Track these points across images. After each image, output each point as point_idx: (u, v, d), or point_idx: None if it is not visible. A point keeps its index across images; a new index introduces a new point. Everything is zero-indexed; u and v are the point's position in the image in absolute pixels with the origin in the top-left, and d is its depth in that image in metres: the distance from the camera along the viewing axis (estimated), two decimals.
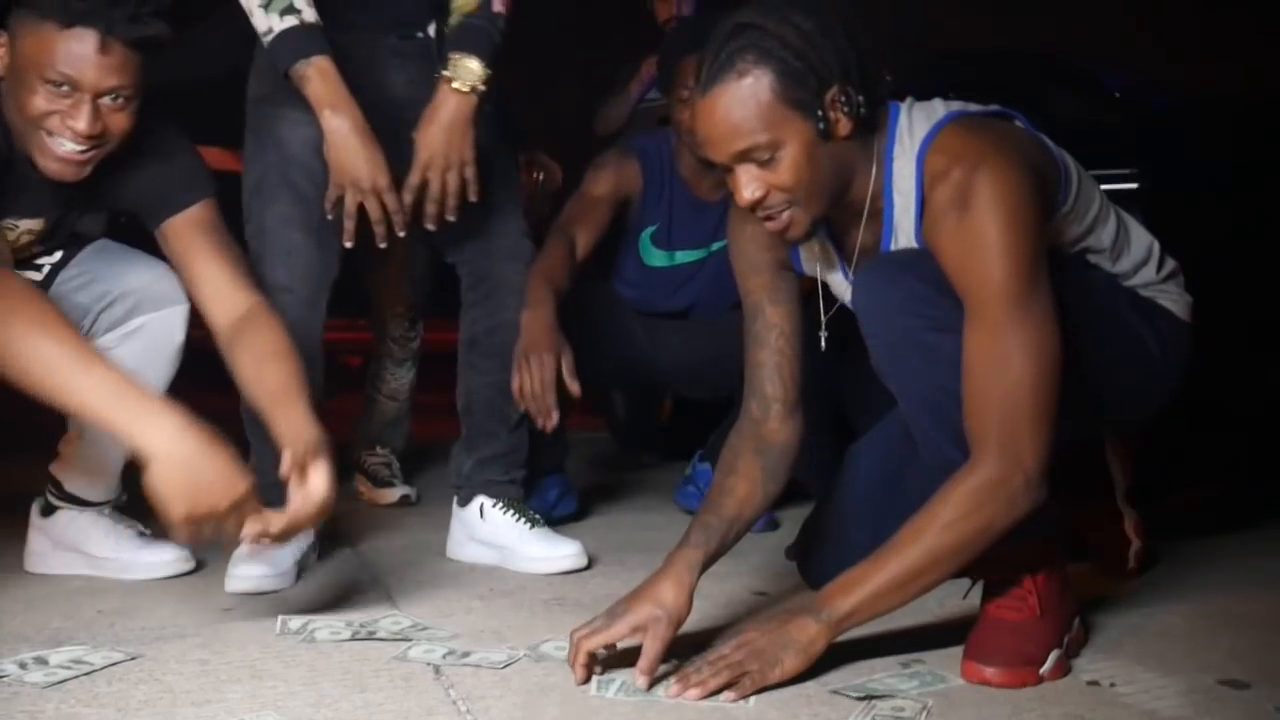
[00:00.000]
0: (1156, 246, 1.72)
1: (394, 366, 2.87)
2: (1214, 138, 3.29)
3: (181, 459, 1.51)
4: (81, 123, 1.72)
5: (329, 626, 1.68)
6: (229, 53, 3.00)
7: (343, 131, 1.93)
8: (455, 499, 2.25)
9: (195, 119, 2.10)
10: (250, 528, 1.59)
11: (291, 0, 1.91)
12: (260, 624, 1.71)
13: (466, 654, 1.56)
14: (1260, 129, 3.32)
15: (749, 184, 1.49)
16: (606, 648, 1.48)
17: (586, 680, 1.45)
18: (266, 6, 1.92)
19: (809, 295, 1.75)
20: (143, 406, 1.53)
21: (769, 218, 1.52)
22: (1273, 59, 4.97)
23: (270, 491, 1.75)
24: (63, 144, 1.75)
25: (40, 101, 1.72)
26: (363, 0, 2.08)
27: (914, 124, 1.53)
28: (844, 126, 1.49)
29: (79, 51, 1.70)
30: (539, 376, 2.13)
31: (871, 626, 1.50)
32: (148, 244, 2.01)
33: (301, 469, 1.66)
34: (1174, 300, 1.72)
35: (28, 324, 1.53)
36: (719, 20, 1.53)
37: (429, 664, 1.53)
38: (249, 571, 1.90)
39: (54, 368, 1.52)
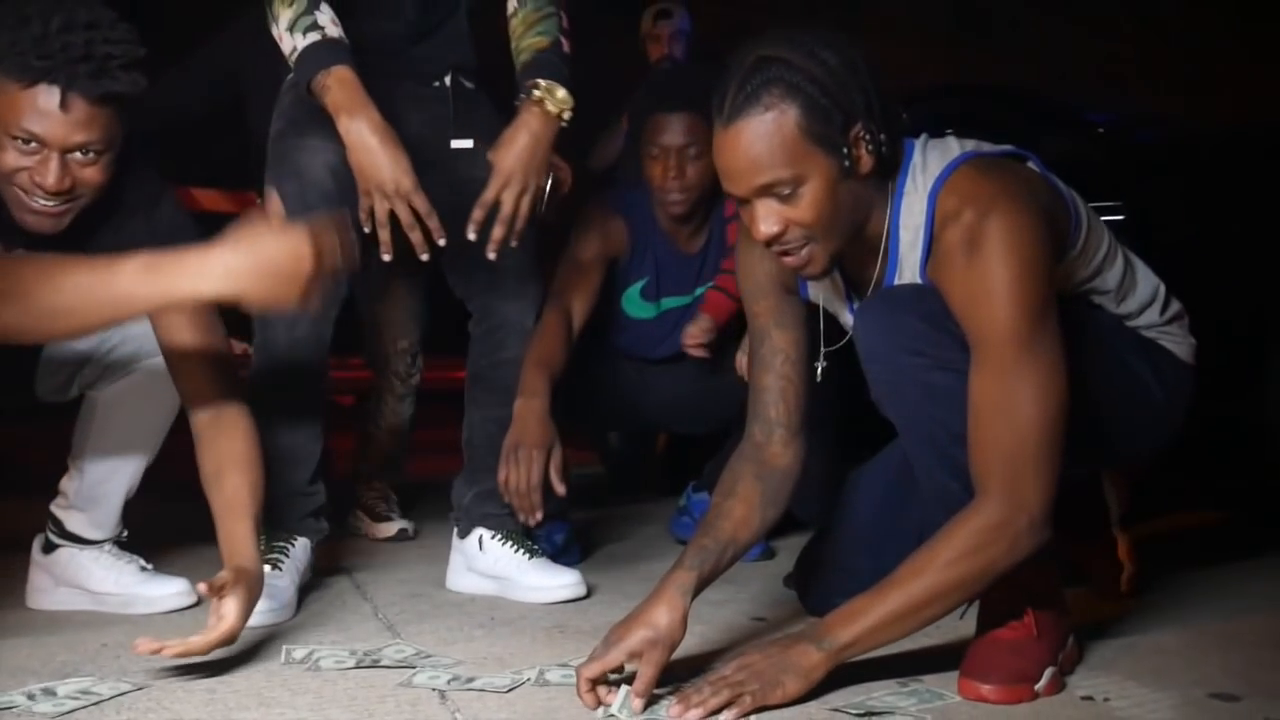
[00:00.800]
0: (1163, 289, 1.73)
1: (395, 402, 2.89)
2: (1201, 170, 3.34)
3: (249, 272, 1.52)
4: (50, 179, 1.71)
5: (333, 655, 1.70)
6: (216, 82, 3.06)
7: (361, 133, 1.93)
8: (455, 531, 2.27)
9: (184, 159, 2.11)
10: (148, 645, 1.56)
11: (315, 18, 1.96)
12: (264, 654, 1.73)
13: (471, 680, 1.58)
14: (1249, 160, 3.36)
15: (767, 218, 1.50)
16: (615, 671, 1.50)
17: (597, 706, 1.47)
18: (292, 28, 1.96)
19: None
20: (182, 267, 1.53)
21: (785, 253, 1.53)
22: (1261, 89, 5.06)
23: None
24: (35, 199, 1.74)
25: (10, 158, 1.71)
26: (381, 49, 2.12)
27: (928, 162, 1.54)
28: (866, 163, 1.50)
29: (42, 109, 1.68)
30: (525, 473, 2.09)
31: None
32: None
33: (220, 592, 1.64)
34: (1177, 343, 1.73)
35: (37, 278, 1.53)
36: (705, 67, 1.56)
37: (434, 689, 1.55)
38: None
39: (85, 292, 1.52)
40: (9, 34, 1.68)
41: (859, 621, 1.46)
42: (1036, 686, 1.51)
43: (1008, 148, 1.61)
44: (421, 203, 1.96)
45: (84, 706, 1.47)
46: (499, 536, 2.21)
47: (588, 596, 2.12)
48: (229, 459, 1.82)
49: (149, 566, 2.07)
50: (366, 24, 2.09)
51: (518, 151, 2.02)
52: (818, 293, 1.71)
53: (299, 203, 2.08)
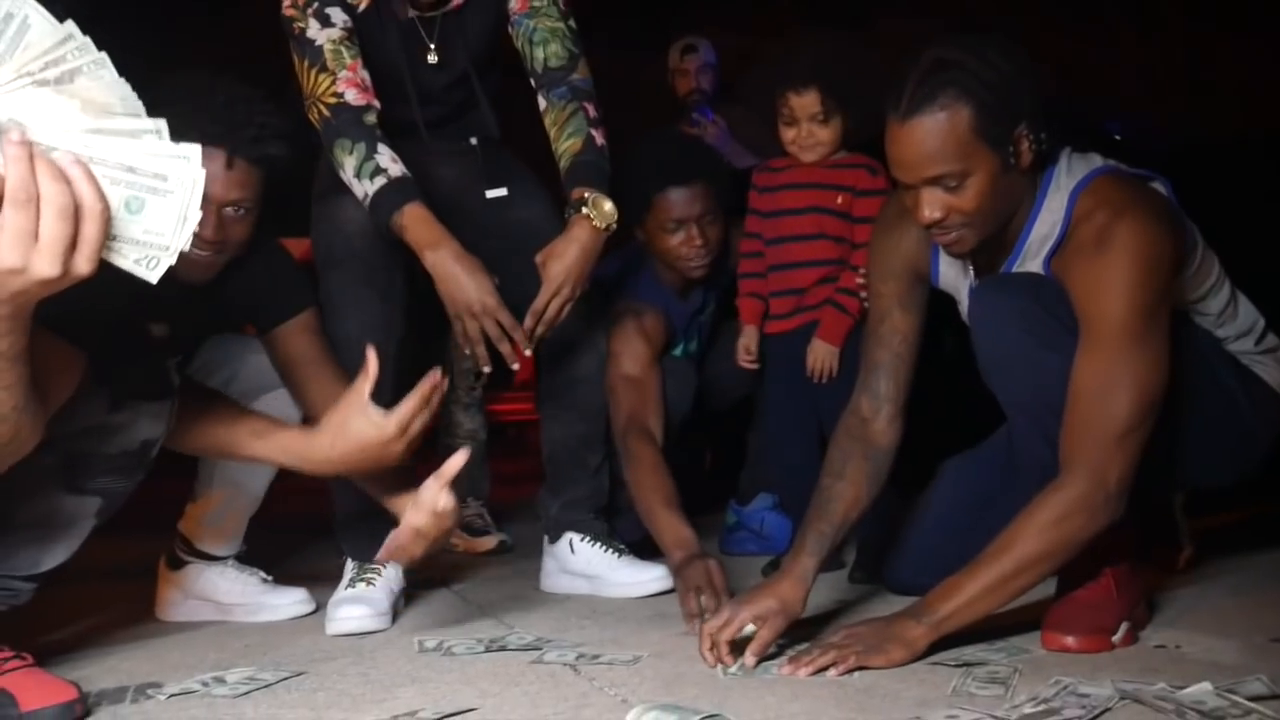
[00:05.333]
0: (1261, 323, 1.89)
1: (460, 413, 3.06)
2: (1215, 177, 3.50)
3: (343, 459, 1.80)
4: (207, 230, 1.92)
5: (463, 643, 1.86)
6: None
7: (445, 263, 2.08)
8: (545, 537, 2.43)
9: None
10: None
11: (377, 161, 2.11)
12: (398, 646, 1.89)
13: (597, 656, 1.74)
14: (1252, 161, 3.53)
15: (931, 204, 1.65)
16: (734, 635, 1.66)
17: (716, 663, 1.63)
18: (359, 174, 2.12)
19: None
20: (292, 447, 1.80)
21: (941, 232, 1.69)
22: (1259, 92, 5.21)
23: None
24: (191, 250, 1.93)
25: None
26: (412, 128, 2.29)
27: (1072, 167, 1.71)
28: (1026, 160, 1.66)
29: (207, 168, 1.88)
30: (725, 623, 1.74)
31: None
32: None
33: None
34: (1268, 371, 1.88)
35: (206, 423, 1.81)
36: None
37: (565, 664, 1.70)
38: (349, 613, 2.03)
39: (223, 439, 1.83)
40: (180, 103, 1.88)
41: (956, 596, 1.62)
42: (1114, 638, 1.67)
43: (1142, 170, 1.77)
44: (506, 318, 2.09)
45: (256, 689, 1.63)
46: (588, 538, 2.36)
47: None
48: None
49: (269, 578, 2.24)
50: (399, 110, 2.26)
51: (568, 264, 2.15)
52: (949, 276, 1.86)
53: (345, 245, 2.22)
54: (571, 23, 2.32)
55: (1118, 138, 3.67)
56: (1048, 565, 1.63)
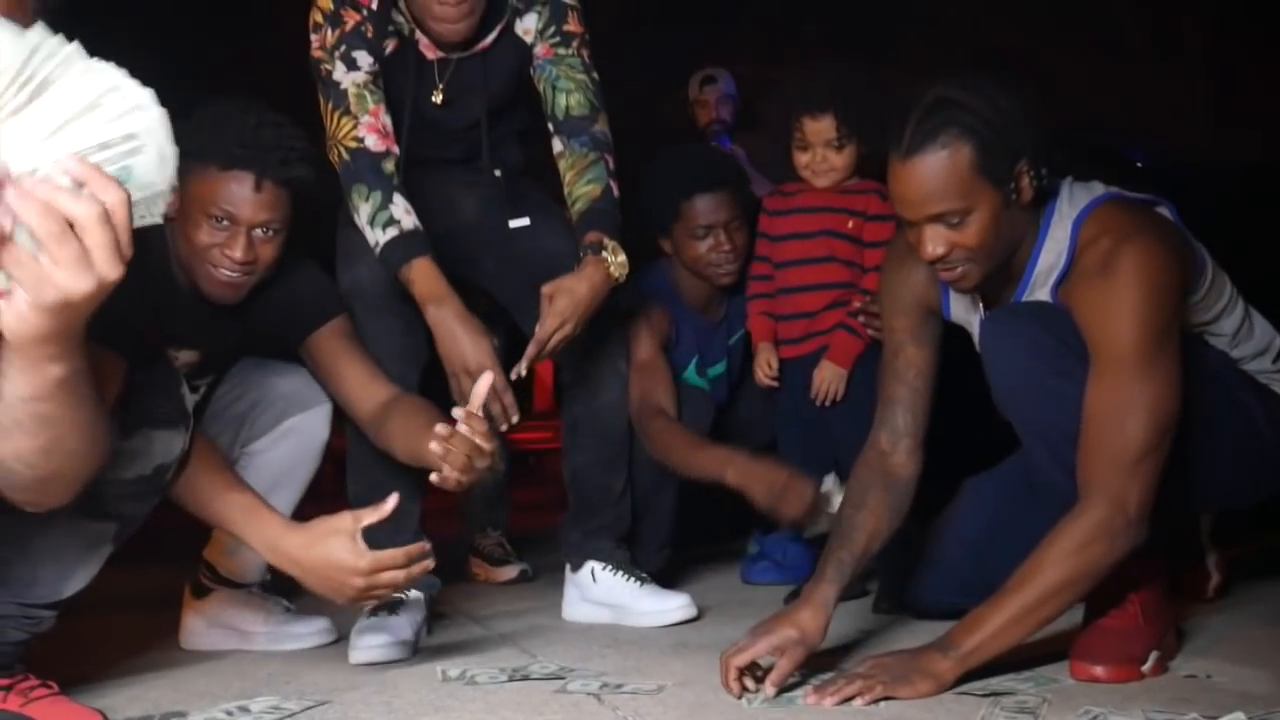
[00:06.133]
0: (1278, 341, 1.88)
1: None
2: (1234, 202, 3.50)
3: (302, 573, 1.75)
4: (238, 252, 1.96)
5: (485, 672, 1.85)
6: None
7: (446, 321, 2.12)
8: (567, 565, 2.42)
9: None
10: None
11: (391, 212, 2.15)
12: (420, 675, 1.88)
13: (620, 685, 1.73)
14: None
15: (934, 241, 1.67)
16: (753, 664, 1.65)
17: (740, 693, 1.62)
18: (372, 222, 2.16)
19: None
20: (266, 534, 1.76)
21: (945, 269, 1.71)
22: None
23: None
24: (222, 271, 1.99)
25: (203, 235, 1.97)
26: (434, 143, 2.33)
27: (1074, 196, 1.72)
28: (1027, 195, 1.67)
29: (237, 191, 1.95)
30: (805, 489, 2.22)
31: None
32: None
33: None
34: None
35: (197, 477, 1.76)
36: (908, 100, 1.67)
37: (589, 694, 1.69)
38: (371, 641, 2.02)
39: (204, 502, 1.77)
40: (211, 129, 1.94)
41: (981, 629, 1.60)
42: (1143, 668, 1.65)
43: (1146, 196, 1.77)
44: (499, 379, 2.11)
45: (281, 718, 1.63)
46: (609, 567, 2.36)
47: (699, 617, 2.26)
48: (414, 410, 2.03)
49: (292, 607, 2.24)
50: (425, 146, 2.30)
51: (576, 300, 2.16)
52: (959, 309, 1.87)
53: (370, 277, 2.24)
54: (594, 75, 2.35)
55: (1139, 165, 3.66)
56: (1071, 594, 1.61)
